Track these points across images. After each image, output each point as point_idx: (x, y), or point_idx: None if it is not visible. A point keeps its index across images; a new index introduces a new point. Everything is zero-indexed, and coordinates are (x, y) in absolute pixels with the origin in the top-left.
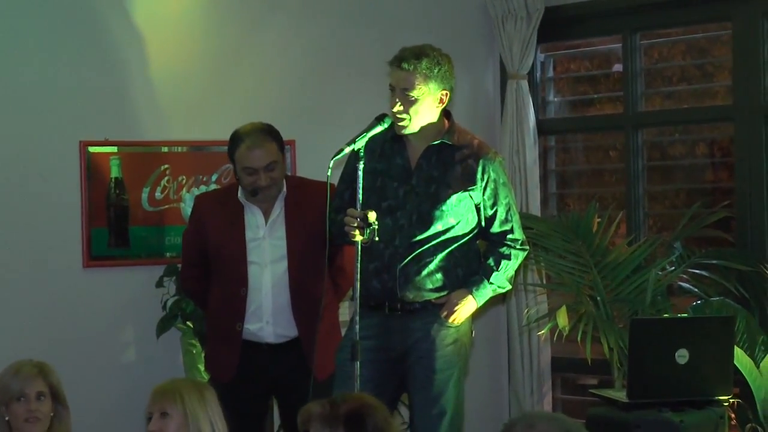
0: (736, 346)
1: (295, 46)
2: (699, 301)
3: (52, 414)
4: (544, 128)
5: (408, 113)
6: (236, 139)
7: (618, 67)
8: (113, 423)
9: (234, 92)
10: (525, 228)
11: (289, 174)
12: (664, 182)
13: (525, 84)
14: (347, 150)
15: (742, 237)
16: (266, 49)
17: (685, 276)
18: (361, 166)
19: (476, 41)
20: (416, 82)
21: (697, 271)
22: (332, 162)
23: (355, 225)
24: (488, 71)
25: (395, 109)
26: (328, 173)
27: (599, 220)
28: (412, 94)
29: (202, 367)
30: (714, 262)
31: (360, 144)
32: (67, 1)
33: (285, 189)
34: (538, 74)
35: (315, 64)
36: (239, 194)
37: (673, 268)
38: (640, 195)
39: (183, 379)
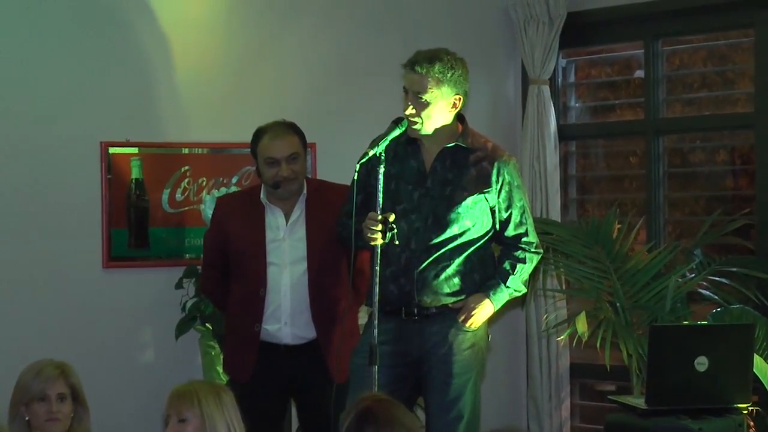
0: (755, 354)
1: (317, 49)
2: (718, 309)
3: (72, 415)
4: (564, 134)
5: (420, 116)
6: (259, 132)
7: (639, 74)
8: (132, 423)
9: (255, 95)
10: (545, 233)
11: (309, 176)
12: (684, 189)
13: (546, 89)
14: (372, 153)
15: (762, 245)
16: (288, 52)
17: (704, 283)
18: (381, 169)
19: (498, 46)
20: (428, 86)
21: (716, 279)
22: (359, 165)
23: (378, 229)
24: (510, 76)
25: (408, 112)
26: (355, 177)
27: (619, 226)
28: (424, 97)
29: (220, 369)
30: (734, 269)
31: (382, 148)
32: (90, 2)
33: (306, 191)
34: (560, 79)
35: (337, 68)
36: (261, 196)
37: (693, 275)
38: (660, 201)
39: (200, 382)
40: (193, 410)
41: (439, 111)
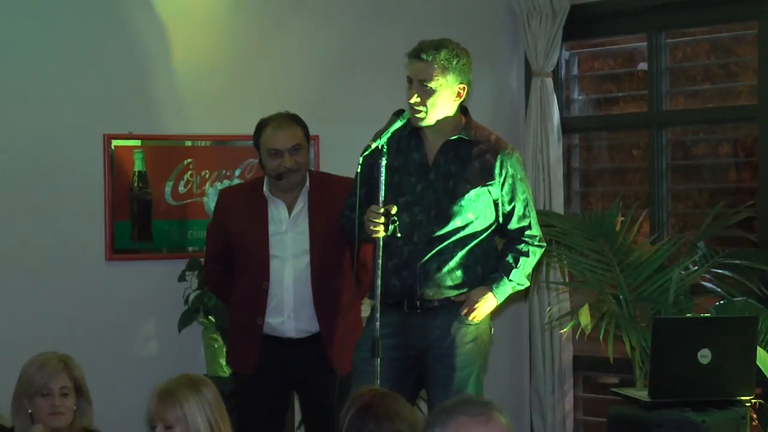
0: (758, 347)
1: (318, 41)
2: (722, 301)
3: (75, 408)
4: (568, 126)
5: (425, 105)
6: (262, 124)
7: (642, 66)
8: (134, 416)
9: (258, 87)
10: (548, 226)
11: (312, 169)
12: (687, 181)
13: (549, 82)
14: (374, 146)
15: (766, 237)
16: (290, 44)
17: (708, 276)
18: (383, 161)
19: (501, 38)
20: (434, 74)
21: (720, 271)
22: (361, 158)
23: (381, 222)
24: (513, 68)
25: (412, 101)
26: (358, 170)
27: (622, 218)
28: (430, 85)
29: (223, 362)
30: (737, 262)
31: (384, 140)
32: None
33: (308, 183)
34: (563, 72)
35: (338, 60)
36: (264, 188)
37: (696, 267)
38: (663, 194)
39: (180, 380)
40: (176, 413)
41: (444, 100)
